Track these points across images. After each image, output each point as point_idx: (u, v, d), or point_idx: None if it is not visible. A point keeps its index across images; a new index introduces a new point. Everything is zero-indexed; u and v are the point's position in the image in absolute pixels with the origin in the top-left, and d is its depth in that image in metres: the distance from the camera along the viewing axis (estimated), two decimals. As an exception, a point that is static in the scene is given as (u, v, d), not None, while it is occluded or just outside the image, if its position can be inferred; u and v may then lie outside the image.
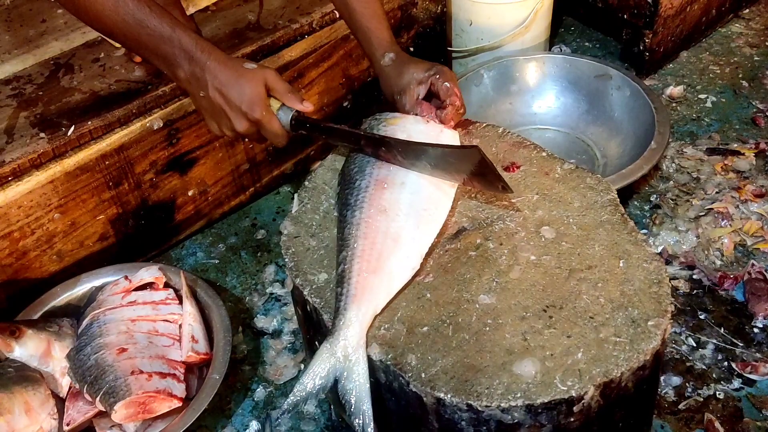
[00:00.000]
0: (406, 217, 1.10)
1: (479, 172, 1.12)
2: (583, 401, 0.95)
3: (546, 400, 0.94)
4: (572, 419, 0.96)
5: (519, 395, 0.95)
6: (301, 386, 1.00)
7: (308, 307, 1.12)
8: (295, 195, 1.25)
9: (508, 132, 1.32)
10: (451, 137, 1.25)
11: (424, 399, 0.98)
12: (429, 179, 1.15)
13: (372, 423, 0.96)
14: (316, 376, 1.00)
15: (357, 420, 0.98)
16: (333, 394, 1.22)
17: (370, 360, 1.02)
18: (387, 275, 1.06)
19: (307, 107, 1.18)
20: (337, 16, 1.64)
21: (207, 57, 1.11)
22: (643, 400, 1.06)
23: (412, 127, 1.23)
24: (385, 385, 1.03)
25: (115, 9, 1.07)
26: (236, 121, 1.14)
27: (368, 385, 0.99)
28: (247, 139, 1.20)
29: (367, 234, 1.08)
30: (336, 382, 1.00)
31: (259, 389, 1.39)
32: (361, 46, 1.36)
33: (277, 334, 1.48)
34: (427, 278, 1.10)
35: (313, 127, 1.20)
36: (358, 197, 1.13)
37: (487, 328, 1.03)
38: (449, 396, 0.96)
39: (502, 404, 0.94)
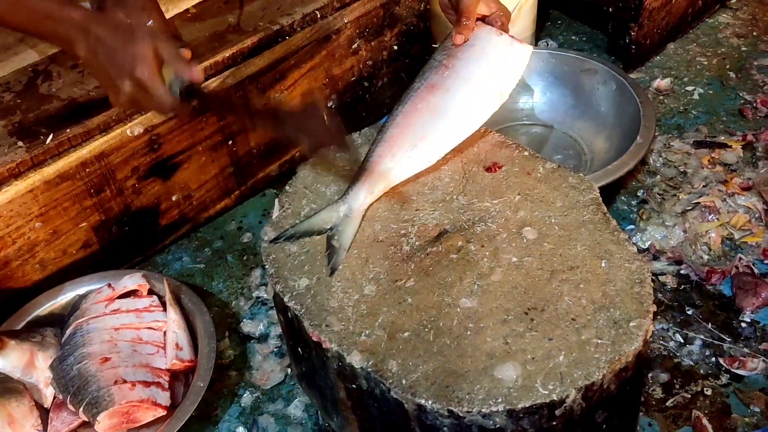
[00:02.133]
0: (440, 117, 1.22)
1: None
2: (564, 405, 0.95)
3: (527, 405, 0.93)
4: (554, 423, 0.96)
5: (500, 400, 0.94)
6: (303, 224, 1.18)
7: (289, 313, 1.11)
8: (276, 200, 1.24)
9: (490, 131, 1.31)
10: (520, 53, 1.27)
11: (406, 405, 0.97)
12: (475, 88, 1.24)
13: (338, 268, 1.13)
14: (318, 220, 1.18)
15: (332, 261, 1.13)
16: (318, 400, 1.22)
17: (351, 367, 1.01)
18: (402, 162, 1.20)
19: (196, 75, 1.14)
20: (319, 16, 1.63)
21: (98, 26, 1.10)
22: (627, 401, 1.05)
23: (485, 37, 1.27)
24: (368, 392, 1.03)
25: (11, 5, 1.09)
26: (122, 84, 1.11)
27: (352, 239, 1.16)
28: (145, 109, 1.20)
29: (400, 124, 1.23)
30: (331, 229, 1.17)
31: (245, 394, 1.39)
32: None
33: (263, 338, 1.47)
34: (408, 282, 1.09)
35: (205, 98, 1.17)
36: (408, 96, 1.26)
37: (469, 333, 1.02)
38: (430, 402, 0.95)
39: (483, 409, 0.94)
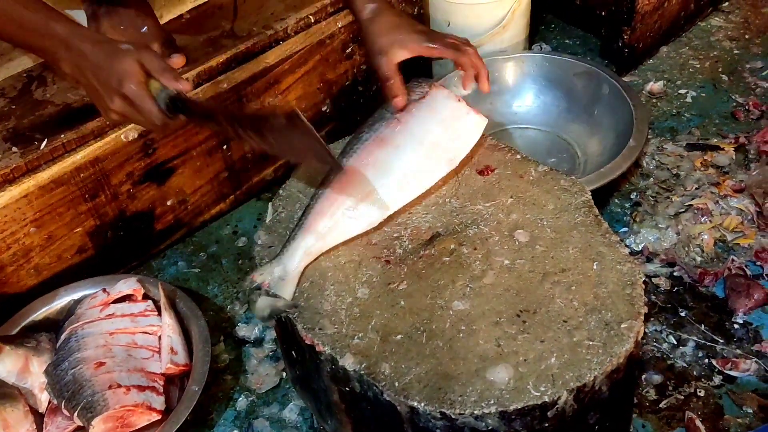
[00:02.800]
0: (385, 174, 1.17)
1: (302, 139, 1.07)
2: (556, 406, 0.95)
3: (519, 407, 0.94)
4: (546, 425, 0.96)
5: (492, 402, 0.94)
6: (246, 282, 1.14)
7: (282, 317, 1.11)
8: (269, 204, 1.25)
9: (483, 135, 1.31)
10: (475, 124, 1.24)
11: (398, 408, 0.98)
12: (426, 151, 1.20)
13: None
14: (254, 280, 1.13)
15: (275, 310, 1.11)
16: (313, 403, 1.23)
17: (344, 370, 1.02)
18: (341, 222, 1.15)
19: (183, 85, 1.12)
20: (312, 21, 1.63)
21: (81, 43, 1.09)
22: (620, 402, 1.06)
23: (442, 101, 1.25)
24: (360, 394, 1.03)
25: (1, 17, 1.08)
26: (109, 100, 1.10)
27: (291, 297, 1.11)
28: (134, 123, 1.16)
29: (343, 179, 1.17)
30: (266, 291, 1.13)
31: (241, 399, 1.39)
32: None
33: (258, 342, 1.47)
34: (401, 285, 1.10)
35: (192, 111, 1.13)
36: (354, 148, 1.21)
37: (461, 335, 1.03)
38: (423, 404, 0.96)
39: (476, 411, 0.94)
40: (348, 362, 1.01)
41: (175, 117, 1.13)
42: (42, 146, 1.37)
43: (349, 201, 1.15)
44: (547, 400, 0.94)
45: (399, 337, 1.04)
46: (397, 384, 0.98)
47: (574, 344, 0.99)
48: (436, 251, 1.13)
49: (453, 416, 0.95)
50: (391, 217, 1.19)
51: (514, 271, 1.09)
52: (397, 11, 1.30)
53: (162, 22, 1.60)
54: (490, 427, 0.95)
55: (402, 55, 1.24)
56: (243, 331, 1.49)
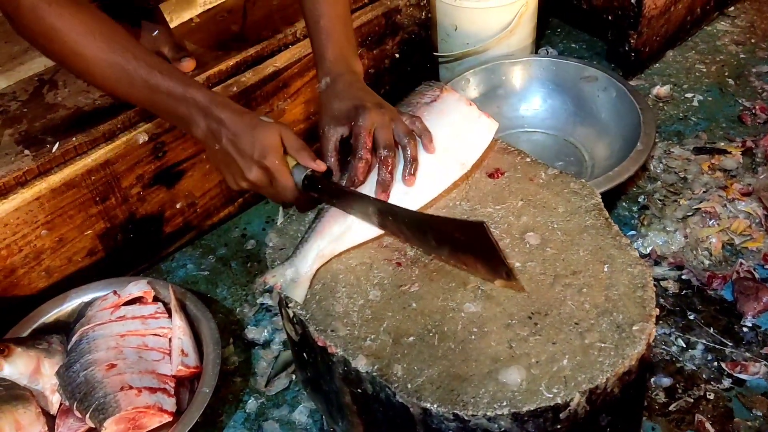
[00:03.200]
0: (398, 179, 1.15)
1: (482, 252, 1.03)
2: (569, 408, 0.95)
3: (532, 408, 0.94)
4: (559, 426, 0.97)
5: (505, 404, 0.95)
6: (257, 284, 1.17)
7: (294, 319, 1.12)
8: (280, 207, 1.25)
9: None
10: (487, 128, 1.23)
11: (411, 409, 0.98)
12: (438, 155, 1.18)
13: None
14: (266, 282, 1.13)
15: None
16: (324, 405, 1.23)
17: (356, 371, 1.02)
18: (354, 226, 1.14)
19: (319, 166, 1.13)
20: (321, 25, 1.64)
21: (221, 110, 1.11)
22: (631, 404, 1.06)
23: (453, 105, 1.23)
24: (372, 396, 1.03)
25: (130, 82, 1.10)
26: (246, 170, 1.11)
27: (303, 298, 1.11)
28: (261, 193, 1.17)
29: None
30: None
31: (250, 401, 1.39)
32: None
33: (267, 344, 1.48)
34: (412, 288, 1.10)
35: (324, 189, 1.13)
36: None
37: (473, 337, 1.03)
38: (435, 406, 0.96)
39: (488, 413, 0.94)
40: (360, 364, 1.02)
41: (306, 194, 1.14)
42: (54, 149, 1.38)
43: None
44: (559, 401, 0.94)
45: (411, 338, 1.04)
46: (409, 385, 0.98)
47: (585, 346, 1.00)
48: (447, 254, 1.14)
49: (466, 418, 0.95)
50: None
51: (525, 274, 1.10)
52: (350, 81, 1.20)
53: (172, 26, 1.62)
54: (502, 429, 0.95)
55: (338, 132, 1.18)
56: (252, 333, 1.50)
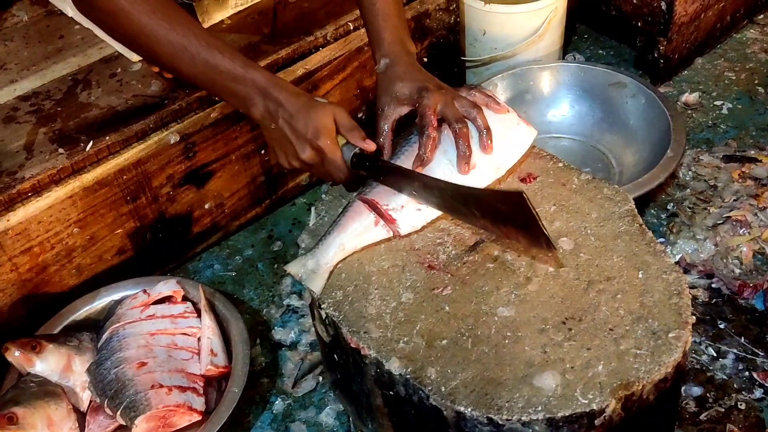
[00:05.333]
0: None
1: (522, 221, 1.05)
2: (604, 414, 0.95)
3: (567, 414, 0.94)
4: (593, 432, 0.96)
5: (540, 408, 0.94)
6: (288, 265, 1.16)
7: (327, 320, 1.12)
8: (312, 208, 1.26)
9: (525, 143, 1.32)
10: (525, 135, 1.22)
11: (445, 413, 0.98)
12: (472, 158, 1.17)
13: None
14: (289, 271, 1.15)
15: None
16: (353, 406, 1.23)
17: (389, 374, 1.02)
18: (379, 224, 1.16)
19: (369, 146, 1.16)
20: (351, 28, 1.65)
21: (279, 92, 1.14)
22: (665, 412, 1.05)
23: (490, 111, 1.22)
24: (405, 399, 1.03)
25: (191, 61, 1.13)
26: (300, 149, 1.15)
27: (321, 290, 1.13)
28: (311, 173, 1.23)
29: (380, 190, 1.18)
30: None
31: (277, 402, 1.40)
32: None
33: (294, 346, 1.48)
34: (445, 291, 1.10)
35: (372, 165, 1.17)
36: (402, 148, 1.21)
37: (507, 341, 1.03)
38: (469, 409, 0.96)
39: (523, 418, 0.94)
40: (394, 366, 1.02)
41: (356, 173, 1.17)
42: (87, 148, 1.39)
43: (392, 205, 1.16)
44: (595, 407, 0.94)
45: (444, 342, 1.04)
46: (443, 389, 0.98)
47: (621, 352, 0.99)
48: (480, 257, 1.14)
49: (500, 422, 0.95)
50: (433, 223, 1.19)
51: (558, 279, 1.09)
52: (409, 62, 1.23)
53: (204, 26, 1.62)
54: (536, 434, 0.95)
55: (397, 112, 1.21)
56: (279, 334, 1.50)
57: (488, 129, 1.17)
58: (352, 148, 1.16)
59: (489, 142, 1.17)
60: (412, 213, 1.17)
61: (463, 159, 1.16)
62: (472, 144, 1.16)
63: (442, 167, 1.18)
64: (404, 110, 1.21)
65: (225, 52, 1.14)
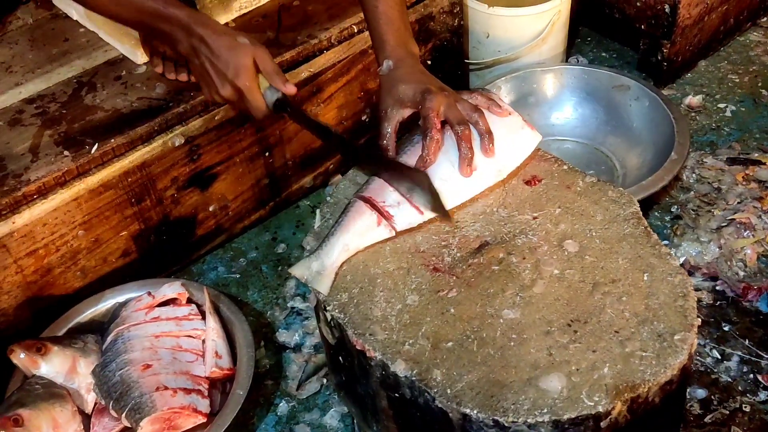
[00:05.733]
0: (430, 176, 1.17)
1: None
2: (610, 417, 0.95)
3: (573, 416, 0.94)
4: (599, 435, 0.96)
5: (545, 411, 0.94)
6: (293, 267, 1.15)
7: (332, 322, 1.12)
8: (317, 210, 1.26)
9: (529, 146, 1.32)
10: (529, 139, 1.22)
11: (450, 415, 0.98)
12: (474, 160, 1.18)
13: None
14: (294, 274, 1.15)
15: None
16: (358, 409, 1.23)
17: (395, 376, 1.02)
18: (381, 223, 1.16)
19: (290, 89, 1.21)
20: (355, 31, 1.65)
21: (202, 29, 1.18)
22: (670, 414, 1.05)
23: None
24: (411, 401, 1.03)
25: (117, 2, 1.19)
26: (221, 87, 1.19)
27: (328, 291, 1.12)
28: (233, 108, 1.32)
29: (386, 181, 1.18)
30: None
31: (282, 404, 1.40)
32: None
33: (298, 348, 1.48)
34: (450, 293, 1.10)
35: (293, 112, 1.23)
36: (405, 148, 1.22)
37: (512, 343, 1.03)
38: (475, 412, 0.96)
39: (529, 420, 0.94)
40: (399, 368, 1.02)
41: (277, 114, 1.23)
42: (92, 150, 1.39)
43: (389, 202, 1.16)
44: (600, 410, 0.94)
45: (450, 344, 1.04)
46: (449, 391, 0.98)
47: (626, 355, 0.99)
48: (485, 260, 1.14)
49: (506, 424, 0.95)
50: (438, 225, 1.19)
51: (563, 281, 1.09)
52: (412, 65, 1.24)
53: (208, 30, 1.63)
54: (542, 436, 0.95)
55: (400, 114, 1.21)
56: (283, 336, 1.51)
57: (489, 132, 1.17)
58: (275, 91, 1.20)
59: (490, 145, 1.17)
60: (408, 210, 1.17)
61: (465, 161, 1.16)
62: (473, 146, 1.17)
63: (444, 168, 1.18)
64: (407, 112, 1.22)
65: None
